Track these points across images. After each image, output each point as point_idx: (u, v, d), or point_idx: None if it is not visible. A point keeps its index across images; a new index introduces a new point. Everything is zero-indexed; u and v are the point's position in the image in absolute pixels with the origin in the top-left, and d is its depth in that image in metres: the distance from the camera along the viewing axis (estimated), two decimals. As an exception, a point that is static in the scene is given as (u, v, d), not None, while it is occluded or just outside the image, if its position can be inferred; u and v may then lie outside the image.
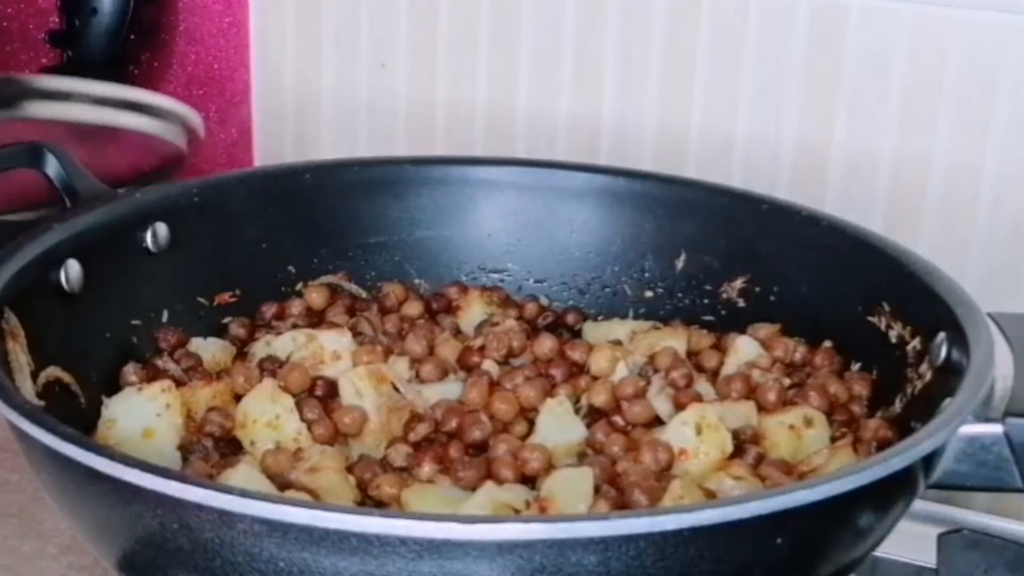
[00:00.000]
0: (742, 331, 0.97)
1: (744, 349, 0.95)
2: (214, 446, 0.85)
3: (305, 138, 1.32)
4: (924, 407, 0.81)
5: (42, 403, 0.82)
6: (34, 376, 0.84)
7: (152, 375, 0.91)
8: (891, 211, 1.11)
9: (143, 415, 0.86)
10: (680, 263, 1.03)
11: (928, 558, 0.89)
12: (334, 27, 1.28)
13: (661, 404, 0.89)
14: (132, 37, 1.30)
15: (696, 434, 0.84)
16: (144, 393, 0.87)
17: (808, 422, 0.87)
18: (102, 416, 0.86)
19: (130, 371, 0.91)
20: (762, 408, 0.89)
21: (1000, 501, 1.06)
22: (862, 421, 0.88)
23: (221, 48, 1.34)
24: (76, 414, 0.86)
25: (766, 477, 0.81)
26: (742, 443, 0.85)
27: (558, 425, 0.87)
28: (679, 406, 0.88)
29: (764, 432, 0.87)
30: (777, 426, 0.87)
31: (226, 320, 1.00)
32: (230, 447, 0.86)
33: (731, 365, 0.95)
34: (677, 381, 0.91)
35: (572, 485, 0.79)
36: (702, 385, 0.92)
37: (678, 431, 0.84)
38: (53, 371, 0.86)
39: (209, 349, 0.96)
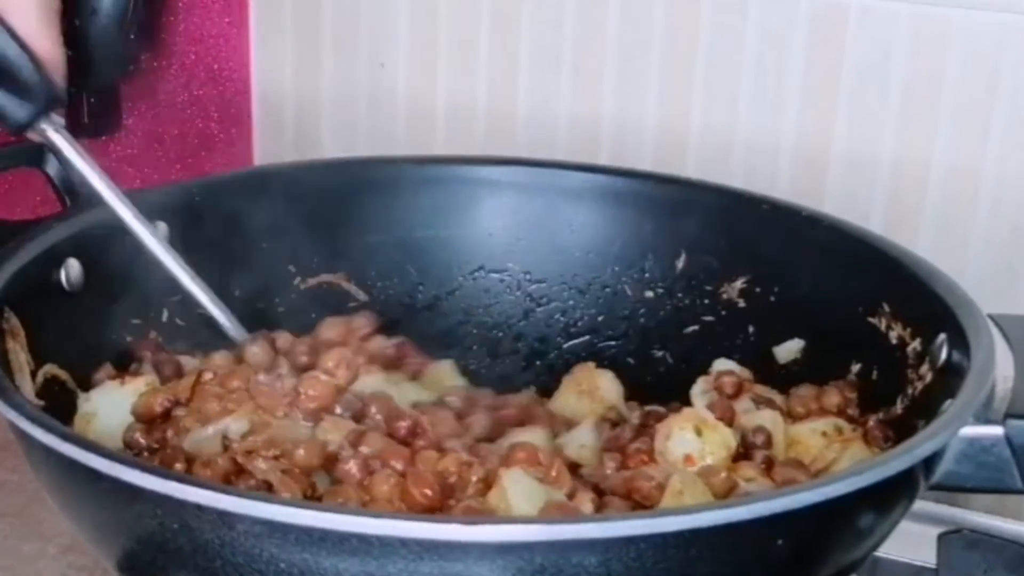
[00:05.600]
0: (742, 331, 0.98)
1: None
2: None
3: (305, 138, 1.32)
4: (925, 408, 0.81)
5: (41, 402, 0.82)
6: (33, 375, 0.84)
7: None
8: (891, 211, 1.11)
9: (125, 409, 0.86)
10: (680, 263, 1.03)
11: (928, 558, 0.90)
12: (334, 27, 1.28)
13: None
14: (132, 37, 1.30)
15: (696, 436, 0.84)
16: (127, 388, 0.87)
17: (839, 430, 0.88)
18: (80, 410, 0.86)
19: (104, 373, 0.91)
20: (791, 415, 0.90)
21: (1000, 501, 1.06)
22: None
23: (221, 48, 1.34)
24: (75, 412, 0.86)
25: (778, 477, 0.82)
26: (751, 447, 0.86)
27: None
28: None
29: (798, 438, 0.87)
30: (810, 432, 0.88)
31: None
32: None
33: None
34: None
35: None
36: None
37: (679, 438, 0.84)
38: (50, 368, 0.86)
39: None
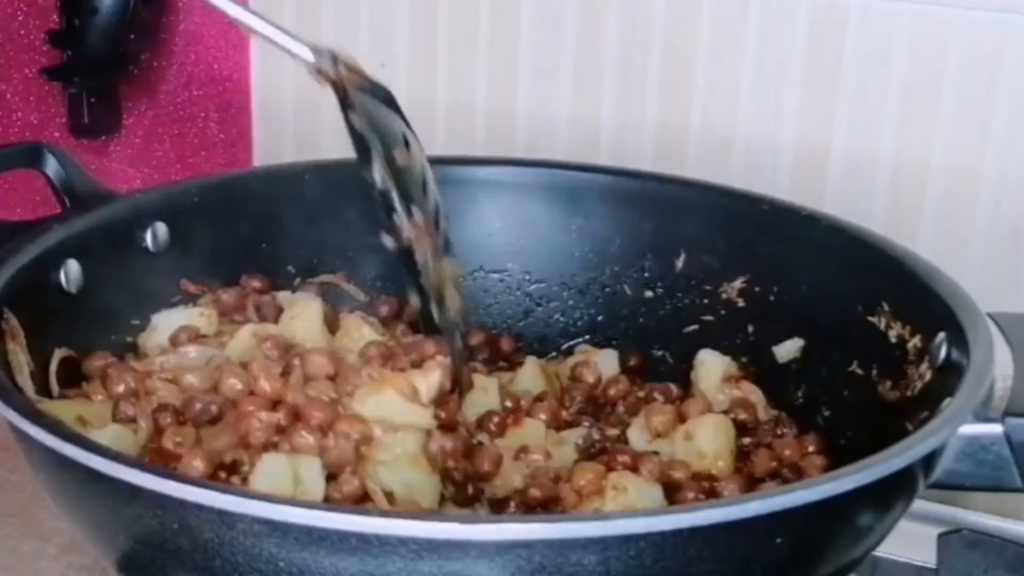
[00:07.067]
0: (742, 330, 0.98)
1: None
2: None
3: (305, 138, 1.32)
4: (924, 407, 0.81)
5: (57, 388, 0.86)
6: (33, 375, 0.84)
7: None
8: (891, 211, 1.11)
9: (181, 318, 0.94)
10: (680, 263, 1.03)
11: (928, 558, 0.90)
12: (334, 27, 1.28)
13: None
14: (132, 37, 1.30)
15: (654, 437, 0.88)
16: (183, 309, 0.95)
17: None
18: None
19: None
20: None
21: (1000, 501, 1.06)
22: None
23: (221, 48, 1.34)
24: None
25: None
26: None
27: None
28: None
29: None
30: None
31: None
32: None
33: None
34: None
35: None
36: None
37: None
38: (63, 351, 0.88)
39: None
